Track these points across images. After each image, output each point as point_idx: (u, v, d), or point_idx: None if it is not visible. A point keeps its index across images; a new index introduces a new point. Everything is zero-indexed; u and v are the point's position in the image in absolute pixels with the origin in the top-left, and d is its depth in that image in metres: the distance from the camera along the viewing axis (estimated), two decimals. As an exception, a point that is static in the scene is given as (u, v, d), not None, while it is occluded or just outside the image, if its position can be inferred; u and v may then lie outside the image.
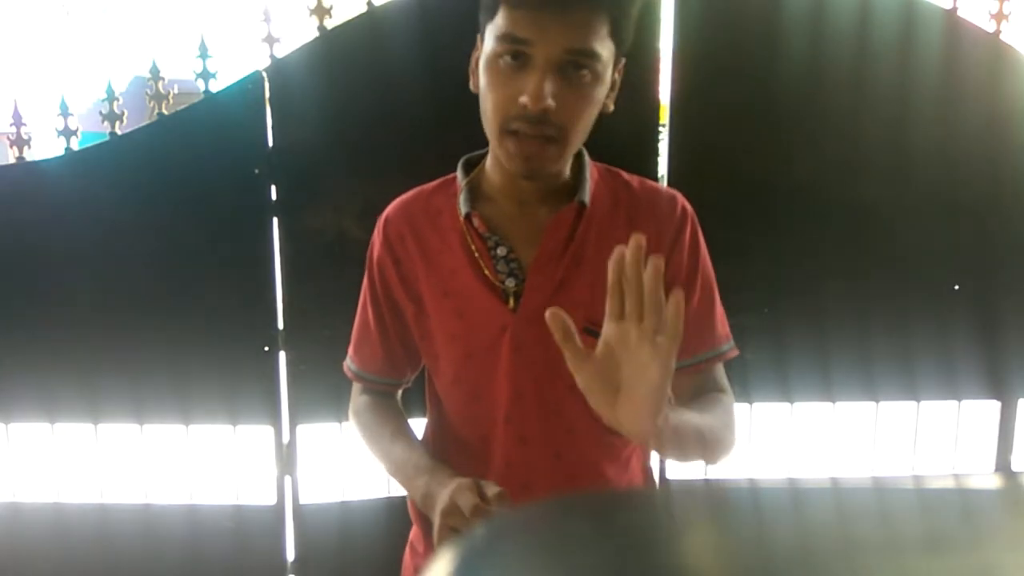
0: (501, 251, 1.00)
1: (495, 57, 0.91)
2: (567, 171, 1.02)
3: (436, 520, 0.88)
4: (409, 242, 1.04)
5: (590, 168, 1.04)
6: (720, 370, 1.07)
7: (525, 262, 1.00)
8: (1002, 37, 1.92)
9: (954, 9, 1.88)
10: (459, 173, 1.06)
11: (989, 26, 1.92)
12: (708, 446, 0.95)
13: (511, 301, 0.99)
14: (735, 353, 1.07)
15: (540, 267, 0.98)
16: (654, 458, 1.18)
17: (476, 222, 1.00)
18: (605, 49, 0.90)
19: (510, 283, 0.99)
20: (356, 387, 1.18)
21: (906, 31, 1.86)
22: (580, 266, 0.99)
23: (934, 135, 1.91)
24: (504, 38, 0.89)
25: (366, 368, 1.14)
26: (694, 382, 1.05)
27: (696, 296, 1.03)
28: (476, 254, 1.00)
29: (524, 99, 0.88)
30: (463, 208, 1.01)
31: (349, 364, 1.17)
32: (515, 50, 0.89)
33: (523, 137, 0.91)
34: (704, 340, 1.04)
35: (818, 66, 1.87)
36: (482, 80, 0.94)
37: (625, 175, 1.07)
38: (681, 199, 1.04)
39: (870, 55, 1.86)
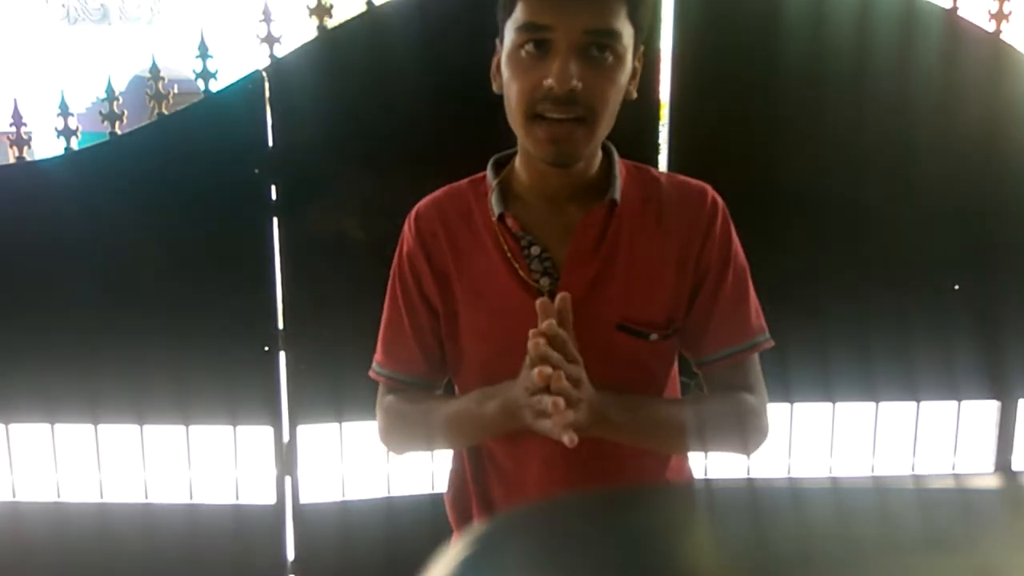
0: (534, 250, 1.00)
1: (516, 49, 0.92)
2: (595, 166, 1.02)
3: (530, 416, 0.86)
4: (441, 239, 1.04)
5: (619, 165, 1.04)
6: (753, 364, 1.05)
7: (558, 261, 1.00)
8: (1002, 37, 1.92)
9: (954, 9, 1.88)
10: (489, 173, 1.05)
11: (989, 26, 1.92)
12: (689, 437, 0.98)
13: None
14: (770, 344, 1.06)
15: (573, 265, 0.98)
16: (693, 456, 1.17)
17: (509, 222, 1.00)
18: (625, 30, 0.91)
19: (544, 282, 0.99)
20: (382, 388, 1.13)
21: (906, 31, 1.86)
22: (613, 264, 0.99)
23: (934, 135, 1.91)
24: (525, 27, 0.90)
25: (400, 370, 1.09)
26: (726, 375, 1.04)
27: (727, 289, 1.02)
28: (509, 254, 0.99)
29: (549, 81, 0.88)
30: (496, 208, 1.00)
31: (379, 369, 1.11)
32: (536, 38, 0.90)
33: (551, 121, 0.91)
34: (735, 333, 1.04)
35: (818, 66, 1.87)
36: (505, 74, 0.94)
37: (653, 171, 1.07)
38: (711, 192, 1.04)
39: (870, 55, 1.86)
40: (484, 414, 0.96)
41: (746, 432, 1.03)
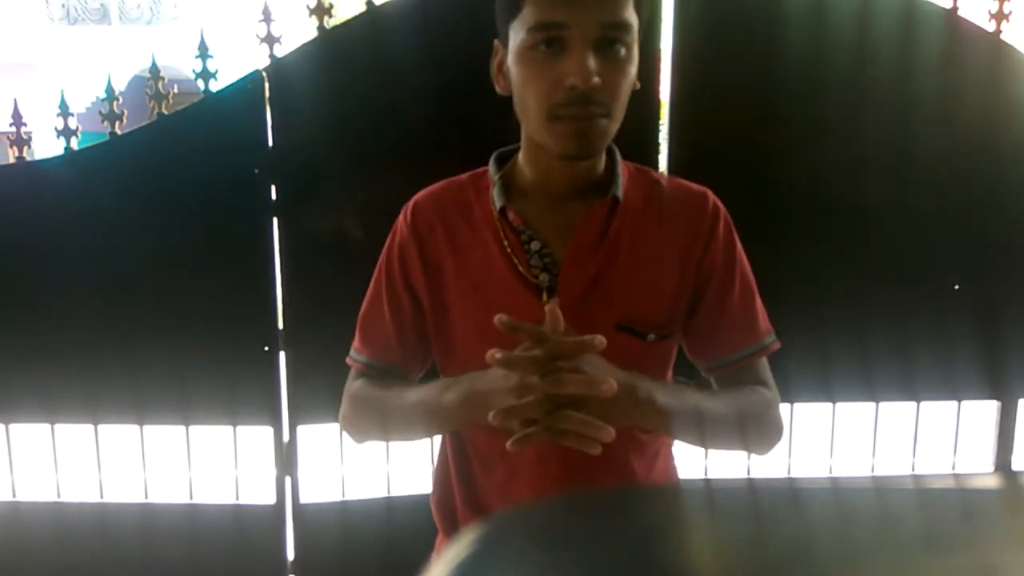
0: (535, 246, 0.99)
1: (528, 49, 0.91)
2: (600, 164, 1.02)
3: (500, 410, 0.81)
4: (438, 232, 1.03)
5: (620, 165, 1.04)
6: (763, 365, 1.06)
7: (559, 257, 0.99)
8: (1002, 37, 1.92)
9: (954, 9, 1.89)
10: (491, 167, 1.05)
11: (989, 26, 1.92)
12: (716, 429, 0.96)
13: (544, 296, 0.98)
14: (777, 346, 1.06)
15: (574, 262, 0.98)
16: (677, 454, 1.17)
17: (511, 216, 0.99)
18: (634, 21, 0.91)
19: (544, 278, 0.98)
20: (353, 373, 1.12)
21: (906, 31, 1.86)
22: (614, 262, 0.98)
23: (934, 135, 1.91)
24: (538, 27, 0.89)
25: (374, 356, 1.09)
26: (737, 377, 1.04)
27: (735, 295, 1.02)
28: (509, 249, 0.99)
29: (572, 80, 0.87)
30: (498, 202, 1.00)
31: (355, 355, 1.11)
32: (549, 36, 0.89)
33: (574, 118, 0.90)
34: (745, 337, 1.04)
35: (818, 66, 1.87)
36: (516, 76, 0.93)
37: (654, 173, 1.07)
38: (712, 196, 1.04)
39: (870, 55, 1.86)
40: (445, 404, 0.93)
41: (768, 426, 1.03)
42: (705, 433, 0.98)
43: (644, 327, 0.99)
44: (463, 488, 1.07)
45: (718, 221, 1.02)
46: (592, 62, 0.87)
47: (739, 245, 1.04)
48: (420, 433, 1.07)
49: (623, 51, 0.90)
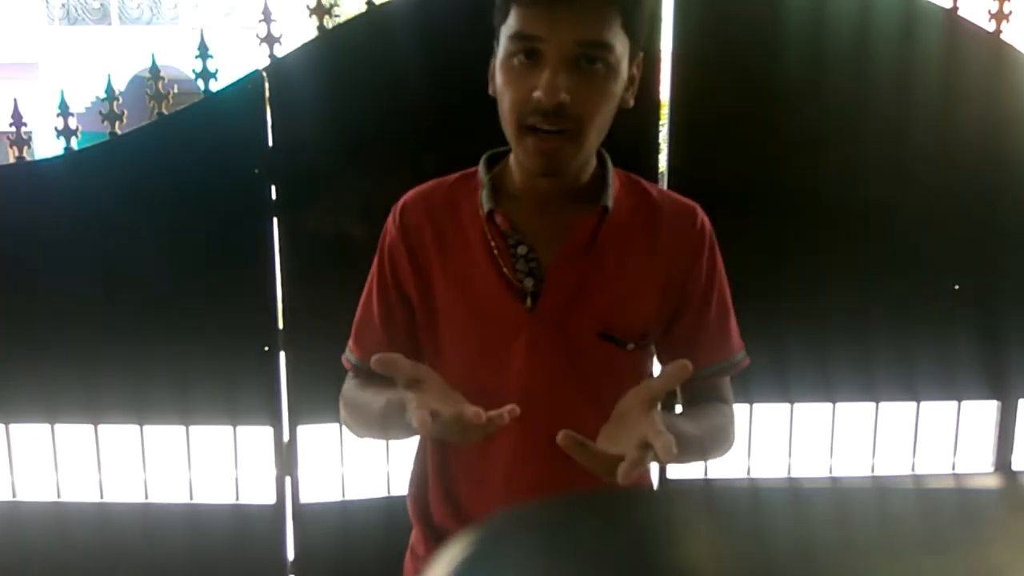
0: (521, 250, 0.99)
1: (509, 57, 0.92)
2: (588, 172, 1.02)
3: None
4: (426, 232, 1.03)
5: (612, 174, 1.04)
6: (727, 381, 1.09)
7: (545, 263, 0.99)
8: (1002, 37, 1.92)
9: (954, 9, 1.89)
10: (481, 168, 1.05)
11: (989, 26, 1.92)
12: (694, 452, 0.98)
13: (528, 301, 0.98)
14: (747, 363, 1.08)
15: (560, 269, 0.98)
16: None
17: (499, 219, 0.99)
18: (618, 42, 0.90)
19: (528, 283, 0.98)
20: (349, 374, 1.14)
21: (906, 31, 1.86)
22: (600, 271, 0.99)
23: (934, 135, 1.91)
24: (516, 37, 0.90)
25: (365, 357, 1.08)
26: (706, 390, 1.06)
27: (712, 311, 1.04)
28: (496, 251, 0.99)
29: (538, 94, 0.88)
30: (486, 204, 1.00)
31: (349, 356, 1.13)
32: (527, 47, 0.89)
33: (541, 134, 0.90)
34: (717, 353, 1.06)
35: (818, 66, 1.87)
36: (498, 81, 0.94)
37: (644, 183, 1.07)
38: (700, 213, 1.04)
39: (870, 55, 1.86)
40: (386, 405, 0.94)
41: (725, 444, 1.06)
42: (680, 457, 1.00)
43: (625, 336, 0.99)
44: (440, 488, 1.07)
45: (704, 239, 1.03)
46: (563, 79, 0.87)
47: (721, 265, 1.06)
48: (393, 434, 1.04)
49: (602, 69, 0.90)
